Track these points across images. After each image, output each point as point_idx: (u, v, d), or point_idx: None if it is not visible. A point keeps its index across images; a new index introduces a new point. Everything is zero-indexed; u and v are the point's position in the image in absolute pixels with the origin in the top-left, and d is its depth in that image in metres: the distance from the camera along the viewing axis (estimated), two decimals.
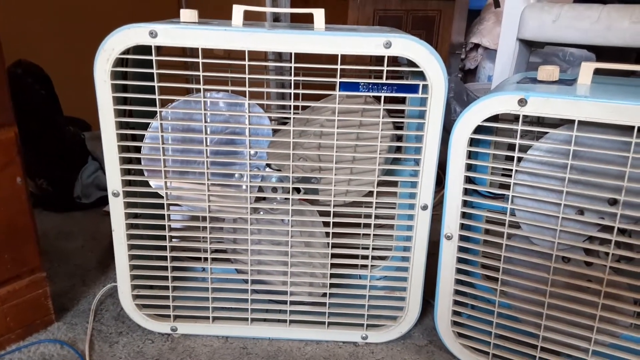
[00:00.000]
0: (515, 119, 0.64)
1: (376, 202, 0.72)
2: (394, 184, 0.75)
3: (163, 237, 0.73)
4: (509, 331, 0.70)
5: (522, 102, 0.60)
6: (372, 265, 0.76)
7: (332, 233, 0.73)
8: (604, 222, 0.62)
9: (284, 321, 0.78)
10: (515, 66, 0.89)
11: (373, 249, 0.74)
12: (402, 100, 0.73)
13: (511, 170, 0.64)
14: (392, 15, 1.64)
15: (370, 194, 0.72)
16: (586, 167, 0.61)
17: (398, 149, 0.75)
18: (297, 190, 0.75)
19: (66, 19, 1.54)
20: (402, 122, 0.73)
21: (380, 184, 0.72)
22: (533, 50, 0.93)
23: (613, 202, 0.62)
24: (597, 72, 0.65)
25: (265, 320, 0.79)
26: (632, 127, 0.57)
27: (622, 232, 0.63)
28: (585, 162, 0.61)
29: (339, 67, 0.65)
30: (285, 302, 0.77)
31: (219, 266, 0.78)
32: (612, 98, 0.57)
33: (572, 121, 0.59)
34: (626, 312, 0.64)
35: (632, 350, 0.64)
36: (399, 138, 0.75)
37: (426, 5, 1.69)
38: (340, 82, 0.66)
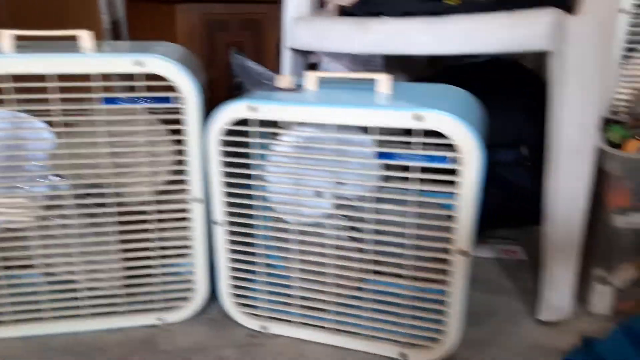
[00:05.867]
0: (261, 122, 0.77)
1: (162, 201, 0.82)
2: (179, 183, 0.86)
3: None
4: (281, 296, 0.85)
5: (252, 109, 0.73)
6: (163, 257, 0.86)
7: (125, 231, 0.82)
8: (337, 201, 0.78)
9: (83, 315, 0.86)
10: (290, 70, 1.03)
11: (162, 240, 0.85)
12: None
13: (262, 163, 0.78)
14: (218, 19, 1.73)
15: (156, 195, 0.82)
16: (316, 157, 0.77)
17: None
18: (87, 195, 0.83)
19: None
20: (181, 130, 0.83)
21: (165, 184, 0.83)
22: (309, 55, 1.08)
23: (340, 184, 0.77)
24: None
25: (64, 317, 0.86)
26: (346, 126, 0.73)
27: (349, 208, 0.79)
28: (315, 154, 0.76)
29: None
30: (81, 298, 0.85)
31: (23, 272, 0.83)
32: (328, 102, 0.72)
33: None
34: (357, 269, 0.81)
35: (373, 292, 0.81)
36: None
37: (254, 9, 1.81)
38: (105, 98, 0.76)
